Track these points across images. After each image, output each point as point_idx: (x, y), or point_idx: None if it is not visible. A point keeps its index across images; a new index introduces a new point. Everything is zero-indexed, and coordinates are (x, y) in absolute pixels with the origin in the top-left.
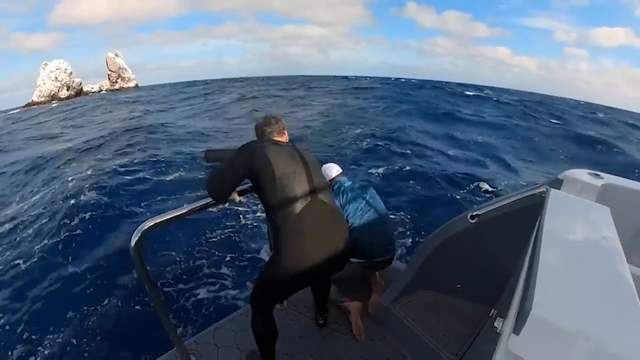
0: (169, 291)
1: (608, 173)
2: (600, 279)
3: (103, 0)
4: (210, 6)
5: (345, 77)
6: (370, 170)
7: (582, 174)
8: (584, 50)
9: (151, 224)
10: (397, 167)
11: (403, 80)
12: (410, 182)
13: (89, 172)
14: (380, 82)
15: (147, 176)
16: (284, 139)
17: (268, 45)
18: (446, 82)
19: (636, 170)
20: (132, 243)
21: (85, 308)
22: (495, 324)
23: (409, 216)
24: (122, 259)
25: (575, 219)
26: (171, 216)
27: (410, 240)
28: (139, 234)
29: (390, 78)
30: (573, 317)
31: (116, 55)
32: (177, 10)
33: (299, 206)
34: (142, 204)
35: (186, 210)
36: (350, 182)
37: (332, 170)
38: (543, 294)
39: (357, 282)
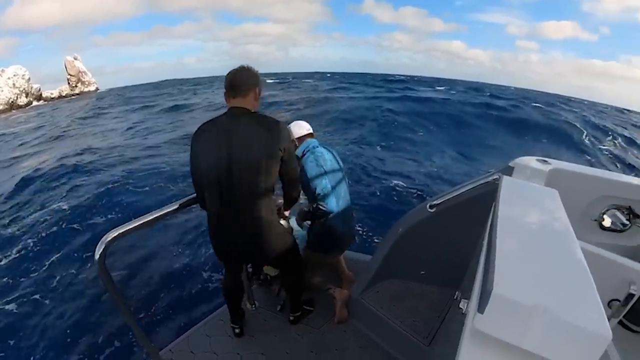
0: (139, 301)
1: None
2: (554, 256)
3: (55, 3)
4: (167, 6)
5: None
6: None
7: (531, 161)
8: (534, 42)
9: (115, 234)
10: None
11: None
12: None
13: None
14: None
15: None
16: (247, 102)
17: (227, 44)
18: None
19: None
20: (97, 256)
21: (53, 324)
22: (461, 305)
23: None
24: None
25: (527, 203)
26: (135, 225)
27: (371, 233)
28: (103, 246)
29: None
30: (531, 292)
31: (75, 59)
32: (133, 11)
33: (213, 197)
34: None
35: (151, 218)
36: (325, 150)
37: (301, 127)
38: (502, 274)
39: (329, 275)
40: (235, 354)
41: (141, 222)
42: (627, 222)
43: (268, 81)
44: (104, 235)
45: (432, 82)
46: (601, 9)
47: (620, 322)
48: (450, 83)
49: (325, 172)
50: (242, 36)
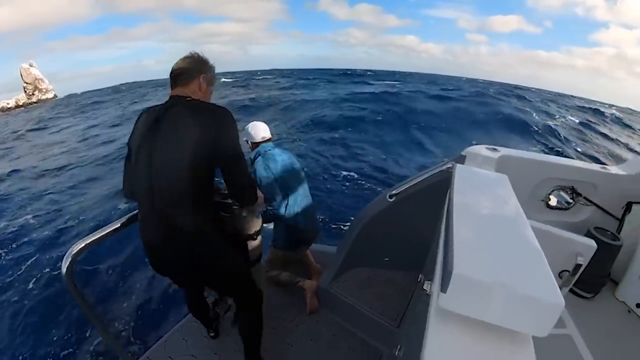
0: (111, 310)
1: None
2: (507, 235)
3: (5, 8)
4: (123, 7)
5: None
6: None
7: (481, 149)
8: (483, 36)
9: (82, 245)
10: None
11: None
12: None
13: None
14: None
15: None
16: (189, 91)
17: (186, 44)
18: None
19: None
20: (64, 270)
21: (27, 338)
22: (425, 287)
23: None
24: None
25: (480, 188)
26: (102, 234)
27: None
28: (70, 259)
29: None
30: (489, 270)
31: (31, 66)
32: (88, 13)
33: (142, 201)
34: None
35: (117, 226)
36: (281, 153)
37: (257, 131)
38: (461, 255)
39: (296, 269)
40: (212, 354)
41: (107, 231)
42: (571, 201)
43: (225, 80)
44: (70, 247)
45: (388, 75)
46: (544, 4)
47: (571, 290)
48: (405, 76)
49: (275, 177)
50: (202, 36)
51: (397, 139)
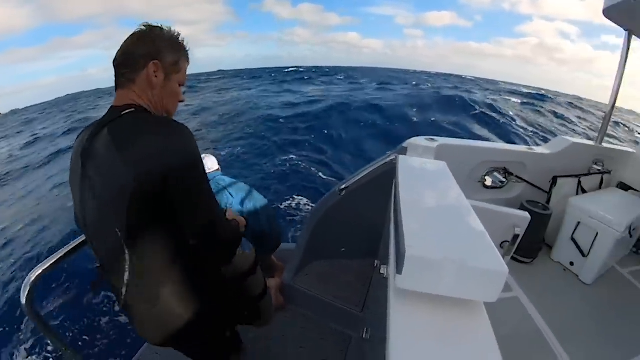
0: (80, 333)
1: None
2: (451, 216)
3: None
4: (64, 16)
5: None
6: None
7: (421, 140)
8: (419, 30)
9: (39, 271)
10: None
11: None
12: None
13: None
14: None
15: None
16: (134, 93)
17: None
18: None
19: None
20: (23, 300)
21: None
22: (382, 271)
23: None
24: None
25: (422, 175)
26: (59, 256)
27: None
28: (28, 287)
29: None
30: (438, 248)
31: None
32: (26, 24)
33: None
34: None
35: (75, 245)
36: (230, 179)
37: (205, 164)
38: (411, 237)
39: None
40: None
41: (64, 252)
42: (504, 180)
43: None
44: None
45: (332, 70)
46: (475, 1)
47: (513, 258)
48: (349, 70)
49: (225, 187)
50: None
51: (344, 128)
